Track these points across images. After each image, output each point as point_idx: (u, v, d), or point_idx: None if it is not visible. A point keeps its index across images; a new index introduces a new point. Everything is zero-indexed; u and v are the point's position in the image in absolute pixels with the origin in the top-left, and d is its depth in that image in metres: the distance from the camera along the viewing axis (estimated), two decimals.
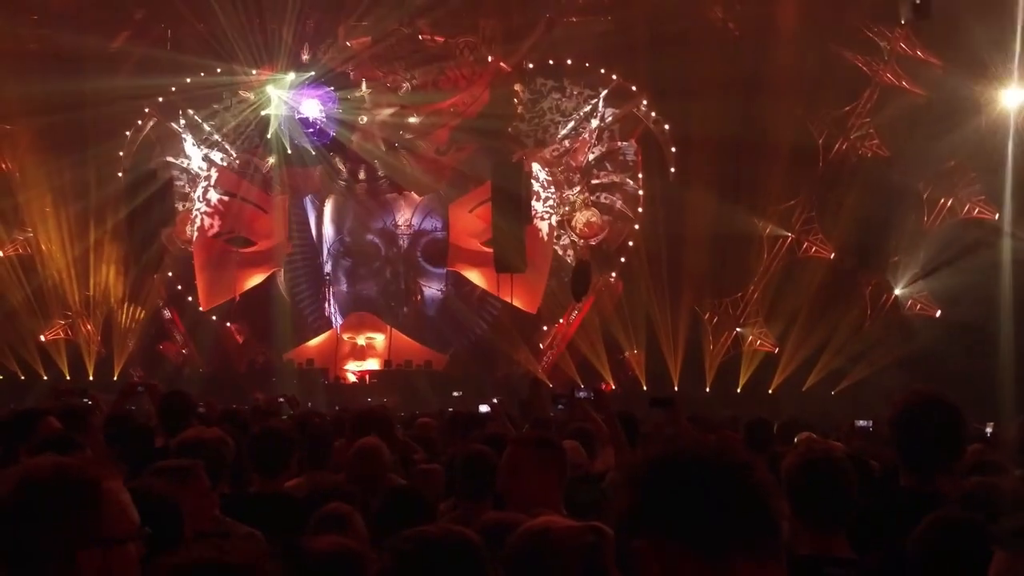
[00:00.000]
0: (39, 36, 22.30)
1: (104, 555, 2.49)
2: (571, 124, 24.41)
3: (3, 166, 24.27)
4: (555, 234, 24.57)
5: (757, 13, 22.14)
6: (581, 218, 24.44)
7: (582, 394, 8.02)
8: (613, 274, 24.13)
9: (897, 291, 21.89)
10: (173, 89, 24.36)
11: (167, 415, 6.69)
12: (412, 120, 24.53)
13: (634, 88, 23.94)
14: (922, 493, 3.73)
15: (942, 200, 21.41)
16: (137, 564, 2.55)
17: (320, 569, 3.22)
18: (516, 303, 23.87)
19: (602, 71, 24.01)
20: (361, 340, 24.47)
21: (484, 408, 13.05)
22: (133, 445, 6.04)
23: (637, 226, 24.11)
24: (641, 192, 24.22)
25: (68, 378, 22.49)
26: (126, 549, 2.53)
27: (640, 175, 24.32)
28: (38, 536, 2.46)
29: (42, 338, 23.56)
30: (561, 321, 24.14)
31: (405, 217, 25.37)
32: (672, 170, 23.75)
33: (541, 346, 24.19)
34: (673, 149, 23.67)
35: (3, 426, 5.91)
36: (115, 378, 22.99)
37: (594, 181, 24.57)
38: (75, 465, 2.65)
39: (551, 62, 24.16)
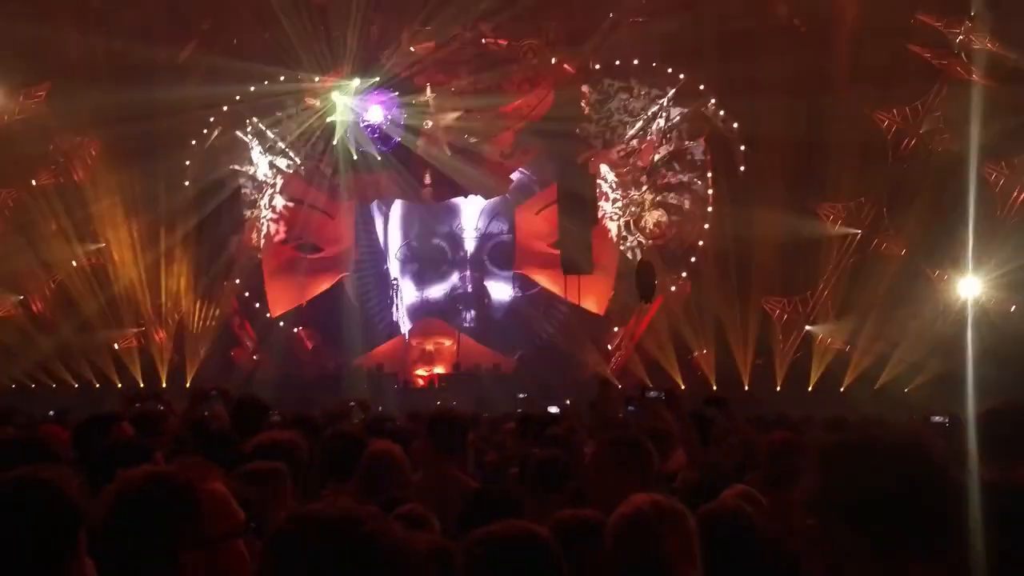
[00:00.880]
0: (109, 49, 22.45)
1: (208, 554, 2.62)
2: (639, 124, 24.51)
3: (75, 177, 24.56)
4: (622, 235, 24.61)
5: (823, 9, 22.08)
6: (650, 218, 24.54)
7: (653, 394, 7.82)
8: (684, 274, 24.21)
9: (969, 289, 21.67)
10: (238, 98, 24.70)
11: (241, 420, 6.72)
12: (477, 124, 24.66)
13: (702, 87, 23.99)
14: (1011, 487, 3.57)
15: (1016, 192, 21.28)
16: (245, 558, 2.68)
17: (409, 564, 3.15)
18: (584, 305, 23.97)
19: (669, 71, 24.10)
20: (429, 345, 24.66)
21: (554, 409, 13.27)
22: (212, 449, 5.95)
23: (707, 225, 24.20)
24: (711, 191, 24.29)
25: (142, 385, 22.77)
26: (231, 546, 2.66)
27: (709, 174, 24.39)
28: (140, 545, 2.58)
29: (116, 346, 23.96)
30: (630, 322, 24.09)
31: (472, 221, 25.62)
32: (742, 169, 23.80)
33: (609, 347, 24.20)
34: (742, 148, 23.72)
35: (78, 431, 6.02)
36: (187, 385, 23.14)
37: (661, 181, 24.59)
38: (169, 472, 2.81)
39: (617, 63, 24.24)
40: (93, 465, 4.21)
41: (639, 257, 24.10)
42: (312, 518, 2.08)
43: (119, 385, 22.64)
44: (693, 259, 24.25)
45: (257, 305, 25.49)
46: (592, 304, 24.09)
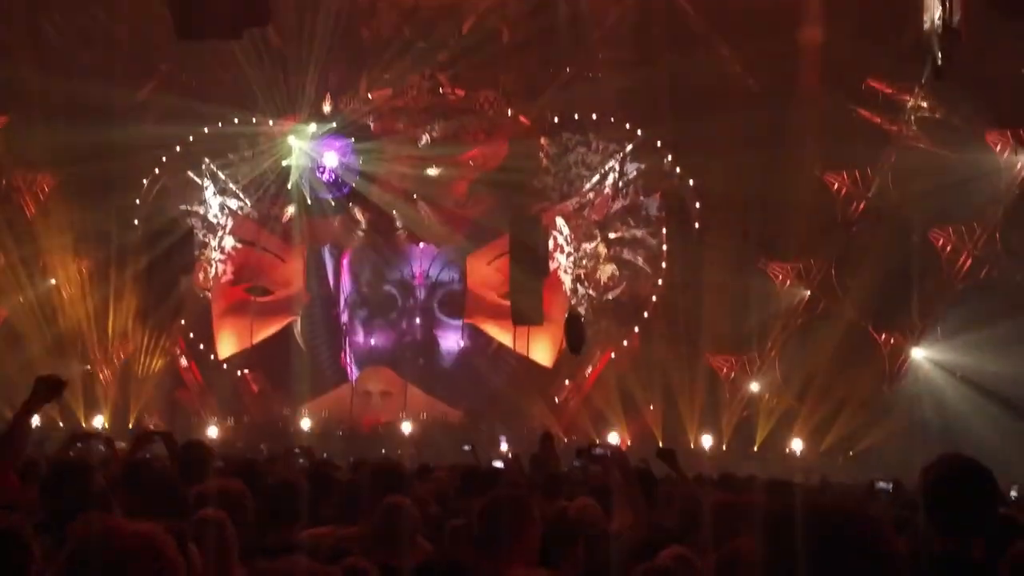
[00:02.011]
0: (67, 86, 22.43)
1: None
2: (596, 178, 24.91)
3: (27, 213, 24.58)
4: (575, 287, 24.87)
5: (777, 69, 22.31)
6: (604, 272, 24.88)
7: (599, 451, 7.66)
8: (636, 328, 24.43)
9: (916, 353, 22.01)
10: (191, 139, 24.91)
11: (185, 465, 6.57)
12: (431, 172, 24.88)
13: (659, 143, 24.37)
14: (961, 559, 3.71)
15: (962, 258, 21.60)
16: None
17: None
18: (533, 356, 24.17)
19: (627, 126, 24.52)
20: (377, 393, 24.68)
21: (498, 464, 13.08)
22: (154, 494, 5.68)
23: (660, 281, 24.49)
24: (664, 247, 24.61)
25: (84, 425, 22.55)
26: None
27: (664, 230, 24.71)
28: None
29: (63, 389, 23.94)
30: (579, 375, 24.40)
31: (422, 268, 25.59)
32: (696, 225, 24.14)
33: (557, 400, 24.37)
34: (697, 204, 24.12)
35: (47, 481, 5.79)
36: (130, 426, 23.21)
37: (615, 235, 24.95)
38: (130, 532, 2.87)
39: (576, 116, 24.67)
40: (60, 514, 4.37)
41: (589, 312, 24.42)
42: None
43: (61, 424, 22.26)
44: (646, 314, 24.53)
45: (202, 347, 25.58)
46: (541, 356, 24.29)
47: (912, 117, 21.76)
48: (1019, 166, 21.06)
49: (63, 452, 8.09)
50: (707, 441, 22.74)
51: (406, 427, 23.53)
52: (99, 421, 24.07)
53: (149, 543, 2.42)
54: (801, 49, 21.82)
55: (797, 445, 22.37)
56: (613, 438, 22.41)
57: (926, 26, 18.15)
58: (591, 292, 24.92)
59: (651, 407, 23.36)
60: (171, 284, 24.36)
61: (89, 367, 24.73)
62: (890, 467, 18.04)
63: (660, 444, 21.76)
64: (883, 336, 22.32)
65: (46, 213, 24.59)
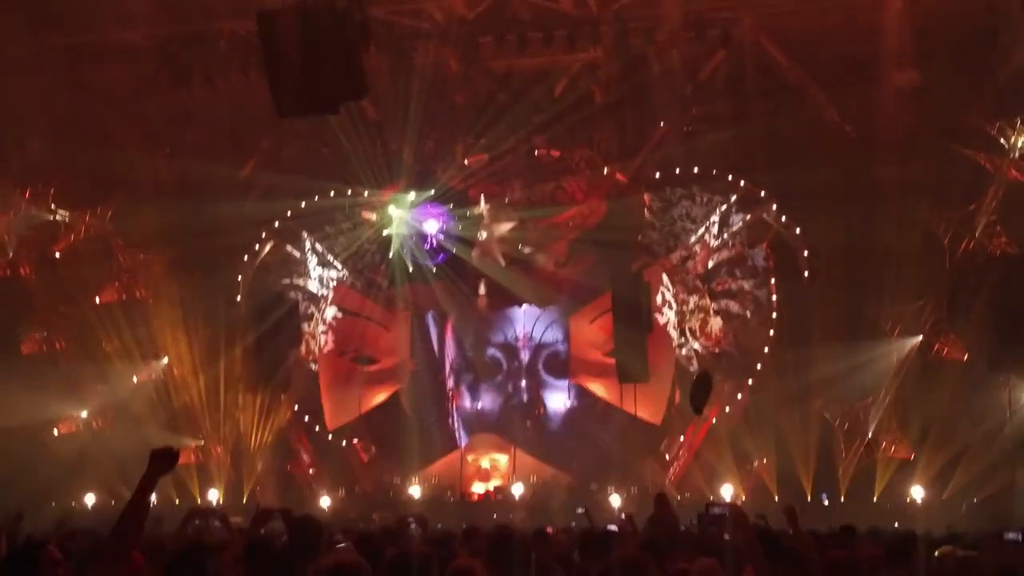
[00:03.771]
0: (171, 168, 23.45)
1: None
2: (701, 231, 24.98)
3: (137, 294, 25.29)
4: (680, 342, 24.87)
5: (875, 115, 22.55)
6: (714, 325, 24.92)
7: (718, 510, 8.39)
8: (749, 381, 24.33)
9: None
10: (289, 213, 25.51)
11: (299, 541, 6.78)
12: (530, 234, 25.11)
13: (763, 194, 24.43)
14: None
15: None
16: None
17: None
18: (640, 414, 24.06)
19: (729, 177, 24.49)
20: (485, 462, 24.88)
21: (613, 527, 13.82)
22: (274, 572, 6.17)
23: (772, 331, 24.44)
24: (774, 297, 24.58)
25: (199, 501, 23.05)
26: None
27: (772, 281, 24.71)
28: None
29: (177, 463, 24.39)
30: (688, 430, 24.29)
31: (526, 330, 25.73)
32: (806, 274, 24.04)
33: (667, 457, 24.34)
34: (805, 253, 24.06)
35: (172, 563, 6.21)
36: (244, 500, 23.84)
37: (719, 288, 24.98)
38: None
39: (677, 170, 24.68)
40: None
41: (696, 364, 24.32)
42: None
43: (177, 501, 22.69)
44: (759, 366, 24.38)
45: (307, 419, 25.99)
46: (648, 413, 24.27)
47: (1016, 154, 21.71)
48: None
49: (182, 530, 8.54)
50: (825, 493, 22.61)
51: (516, 490, 23.64)
52: (214, 496, 24.55)
53: None
54: (898, 93, 21.95)
55: (918, 493, 22.15)
56: (726, 492, 22.52)
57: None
58: (697, 347, 24.94)
59: (764, 460, 23.33)
60: (279, 358, 24.84)
61: (202, 444, 25.19)
62: (1014, 515, 18.31)
63: (776, 498, 22.14)
64: (1001, 378, 21.96)
65: (156, 292, 25.21)
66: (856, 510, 19.94)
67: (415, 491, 24.02)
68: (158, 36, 23.21)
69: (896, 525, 15.79)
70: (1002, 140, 21.82)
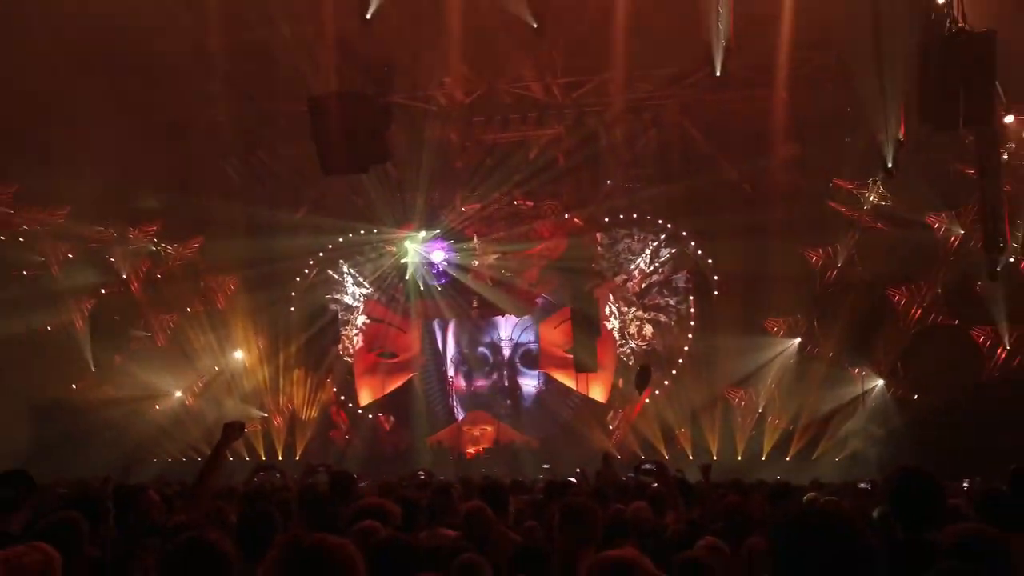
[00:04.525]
0: (244, 212, 23.32)
1: None
2: (639, 260, 24.96)
3: (219, 305, 25.29)
4: (620, 342, 24.87)
5: (766, 176, 22.35)
6: (647, 330, 24.84)
7: (648, 466, 8.14)
8: (673, 372, 24.32)
9: (879, 382, 22.05)
10: (330, 246, 25.49)
11: (337, 488, 6.76)
12: (510, 263, 25.10)
13: (684, 233, 24.50)
14: (920, 542, 3.68)
15: (913, 309, 21.72)
16: None
17: None
18: (591, 395, 24.12)
19: (660, 221, 24.60)
20: (476, 431, 24.55)
21: (571, 479, 13.35)
22: (319, 510, 5.99)
23: (690, 335, 24.53)
24: (692, 310, 24.64)
25: (264, 459, 22.98)
26: None
27: (691, 298, 24.74)
28: None
29: (245, 431, 24.20)
30: (627, 408, 24.22)
31: (507, 333, 25.63)
32: (715, 293, 24.19)
33: (611, 427, 24.25)
34: (715, 278, 24.20)
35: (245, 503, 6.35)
36: (297, 458, 23.77)
37: (651, 302, 24.93)
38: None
39: (621, 216, 24.75)
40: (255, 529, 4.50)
41: (633, 359, 24.39)
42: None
43: (247, 459, 22.37)
44: (680, 360, 24.47)
45: (343, 398, 25.92)
46: (597, 395, 24.29)
47: (869, 206, 21.79)
48: (952, 239, 21.14)
49: (250, 479, 8.79)
50: (727, 454, 22.62)
51: (500, 452, 23.70)
52: (274, 455, 24.52)
53: (343, 551, 2.37)
54: (783, 160, 21.92)
55: (794, 454, 22.23)
56: (654, 454, 22.45)
57: (879, 137, 18.85)
58: (634, 346, 25.01)
59: (683, 430, 23.43)
60: (323, 353, 25.41)
61: (266, 416, 25.28)
62: (865, 471, 18.44)
63: (691, 458, 22.01)
64: (855, 371, 22.26)
65: (232, 304, 25.29)
66: (748, 467, 20.13)
67: (424, 452, 23.87)
68: (235, 113, 23.09)
69: (777, 478, 15.87)
70: (860, 195, 21.85)
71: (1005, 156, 19.53)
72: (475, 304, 25.51)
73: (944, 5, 17.42)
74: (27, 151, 20.34)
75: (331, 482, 7.04)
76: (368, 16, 18.44)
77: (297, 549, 2.33)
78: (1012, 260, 19.72)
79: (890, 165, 18.74)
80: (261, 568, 2.39)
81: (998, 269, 19.08)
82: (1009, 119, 19.52)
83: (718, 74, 18.78)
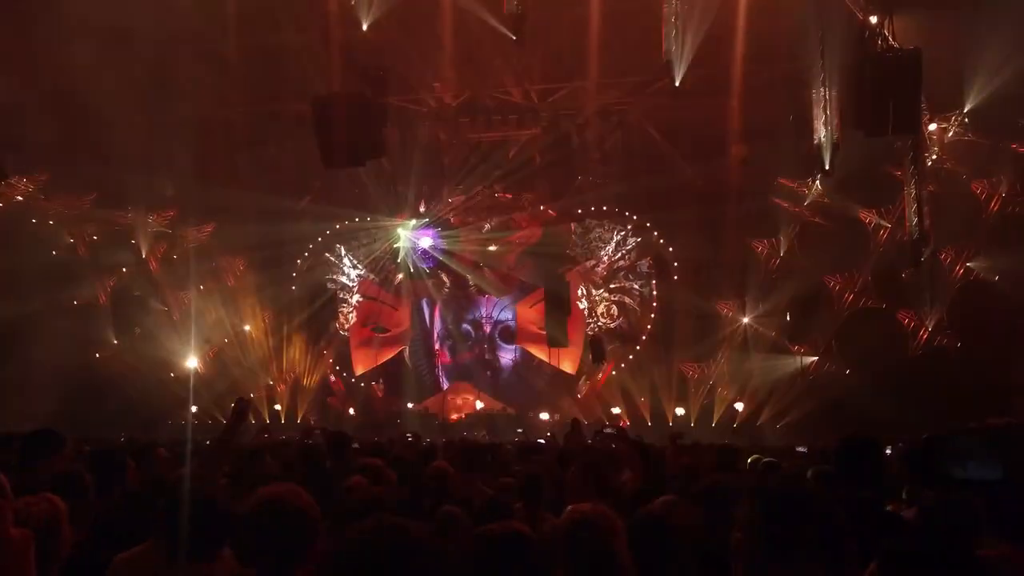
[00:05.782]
0: (253, 200, 23.11)
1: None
2: (608, 247, 25.15)
3: (229, 284, 25.32)
4: (588, 321, 25.05)
5: (716, 172, 22.38)
6: (612, 310, 25.11)
7: (609, 430, 7.83)
8: (637, 347, 24.47)
9: (817, 357, 22.24)
10: (329, 232, 25.51)
11: (334, 447, 6.67)
12: (491, 249, 25.20)
13: (648, 224, 24.70)
14: (861, 499, 3.70)
15: (847, 295, 21.96)
16: None
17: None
18: (562, 367, 24.28)
19: (627, 213, 24.77)
20: (460, 399, 24.56)
21: (541, 440, 13.95)
22: (316, 466, 6.06)
23: (652, 315, 24.75)
24: (655, 293, 24.83)
25: (268, 422, 22.99)
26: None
27: (654, 282, 24.95)
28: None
29: (252, 396, 22.60)
30: (593, 378, 24.48)
31: (488, 312, 25.60)
32: (675, 278, 24.43)
33: (579, 396, 24.44)
34: (675, 264, 24.45)
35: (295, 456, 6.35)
36: (298, 420, 23.88)
37: (616, 285, 25.17)
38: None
39: (592, 208, 24.92)
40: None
41: (599, 335, 24.50)
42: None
43: (253, 422, 21.81)
44: (644, 337, 24.69)
45: (340, 367, 25.99)
46: (567, 367, 24.47)
47: (809, 202, 21.94)
48: (881, 232, 21.33)
49: (257, 438, 9.08)
50: (681, 421, 22.76)
51: (480, 418, 23.79)
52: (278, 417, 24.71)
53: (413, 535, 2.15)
54: (733, 160, 22.09)
55: (741, 421, 22.43)
56: (617, 419, 22.71)
57: (817, 141, 19.00)
58: (601, 324, 25.24)
59: (643, 399, 23.70)
60: (323, 328, 25.49)
61: (271, 383, 25.38)
62: (804, 435, 18.68)
63: (649, 423, 22.56)
64: (795, 347, 22.46)
65: (241, 283, 25.35)
66: (700, 432, 20.06)
67: (412, 417, 23.77)
68: (246, 111, 23.19)
69: (726, 442, 16.08)
70: (800, 193, 22.04)
71: (929, 161, 20.01)
72: (459, 285, 25.62)
73: (876, 25, 18.15)
74: (60, 144, 20.45)
75: (327, 442, 6.99)
76: (365, 27, 18.75)
77: (380, 531, 2.12)
78: (932, 251, 20.06)
79: (828, 166, 19.01)
80: (337, 545, 2.20)
81: (921, 260, 19.51)
82: (933, 127, 20.08)
83: (677, 84, 19.14)
